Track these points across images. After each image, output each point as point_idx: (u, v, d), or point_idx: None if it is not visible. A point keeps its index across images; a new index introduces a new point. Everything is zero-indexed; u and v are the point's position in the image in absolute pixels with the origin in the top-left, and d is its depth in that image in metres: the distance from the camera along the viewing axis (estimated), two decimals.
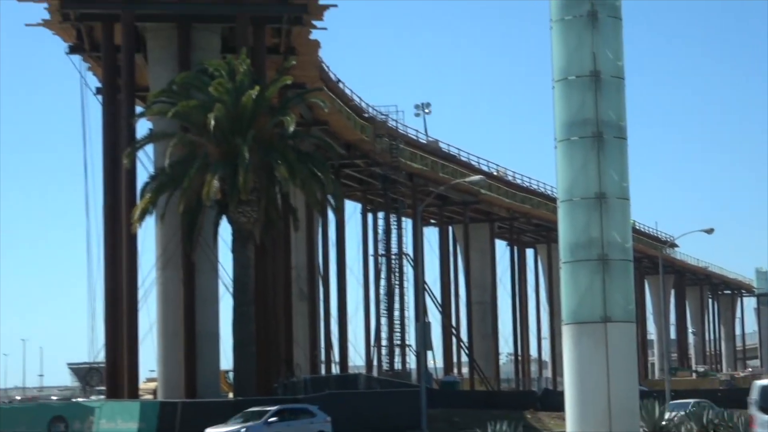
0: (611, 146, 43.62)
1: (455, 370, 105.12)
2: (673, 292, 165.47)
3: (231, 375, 61.04)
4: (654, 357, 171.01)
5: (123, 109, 58.59)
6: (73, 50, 62.46)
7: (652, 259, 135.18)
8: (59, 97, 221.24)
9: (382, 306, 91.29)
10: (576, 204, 43.63)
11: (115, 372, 57.15)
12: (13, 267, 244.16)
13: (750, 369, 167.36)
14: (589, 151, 43.55)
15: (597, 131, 43.44)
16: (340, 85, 78.86)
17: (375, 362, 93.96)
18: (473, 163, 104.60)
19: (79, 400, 65.50)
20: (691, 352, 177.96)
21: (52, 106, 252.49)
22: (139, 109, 60.53)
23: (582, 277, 43.16)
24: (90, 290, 60.89)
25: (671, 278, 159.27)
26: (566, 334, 43.73)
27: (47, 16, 59.43)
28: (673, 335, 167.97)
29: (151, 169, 58.04)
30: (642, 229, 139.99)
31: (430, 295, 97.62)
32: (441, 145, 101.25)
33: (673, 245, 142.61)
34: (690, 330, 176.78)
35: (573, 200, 43.85)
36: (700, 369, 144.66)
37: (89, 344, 61.92)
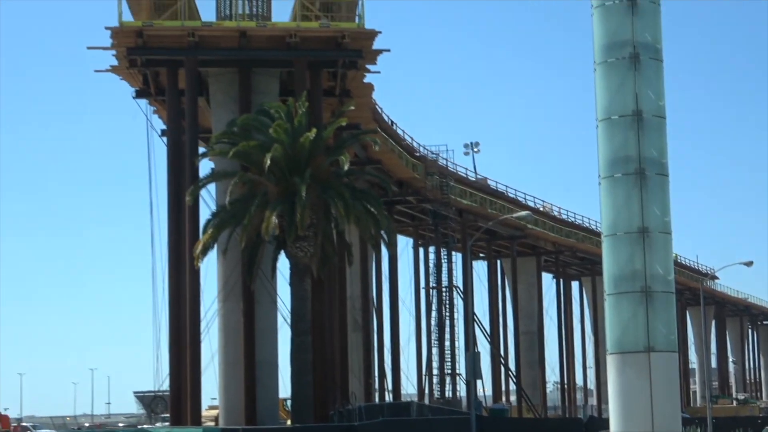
0: (653, 183, 43.49)
1: (504, 398, 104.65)
2: (714, 322, 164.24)
3: (289, 402, 60.98)
4: (696, 385, 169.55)
5: (186, 150, 58.86)
6: (139, 94, 62.89)
7: (694, 291, 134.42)
8: (126, 139, 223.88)
9: (434, 336, 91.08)
10: (620, 238, 43.49)
11: (179, 400, 57.21)
12: (82, 301, 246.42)
13: None
14: (632, 188, 43.44)
15: (639, 168, 43.34)
16: (393, 125, 79.07)
17: (426, 390, 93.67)
18: (520, 199, 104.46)
19: (145, 426, 65.65)
20: (732, 380, 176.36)
21: (119, 148, 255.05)
22: (201, 149, 60.84)
23: (625, 309, 42.98)
24: (155, 322, 61.08)
25: (712, 309, 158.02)
26: (611, 363, 43.50)
27: (115, 63, 59.92)
28: (714, 364, 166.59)
29: (213, 207, 58.25)
30: (684, 262, 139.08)
31: (479, 326, 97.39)
32: (489, 182, 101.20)
33: (714, 277, 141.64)
34: (730, 359, 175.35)
35: (617, 234, 43.72)
36: (741, 397, 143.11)
37: (154, 373, 62.05)
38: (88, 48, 59.10)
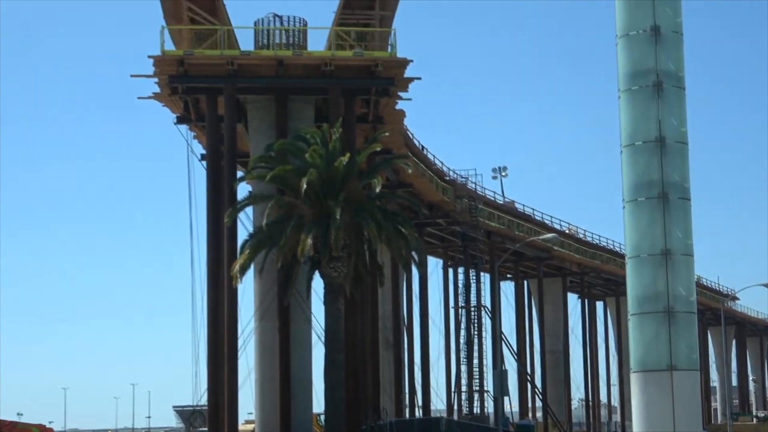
0: (676, 206, 43.40)
1: (530, 414, 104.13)
2: (734, 342, 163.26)
3: (322, 418, 60.91)
4: (717, 403, 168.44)
5: (225, 174, 58.99)
6: (180, 120, 63.10)
7: (715, 311, 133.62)
8: (167, 163, 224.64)
9: (462, 354, 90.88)
10: (643, 260, 43.35)
11: (217, 414, 57.22)
12: (124, 318, 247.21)
13: None
14: (655, 211, 43.34)
15: (662, 192, 43.24)
16: (424, 150, 79.07)
17: (455, 406, 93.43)
18: (547, 221, 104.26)
19: None
20: (752, 398, 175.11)
21: (160, 171, 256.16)
22: (239, 173, 60.97)
23: (649, 328, 42.82)
24: (194, 339, 61.14)
25: (733, 329, 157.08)
26: (634, 381, 43.33)
27: (157, 90, 60.17)
28: (734, 382, 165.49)
29: (251, 228, 58.34)
30: (705, 284, 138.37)
31: (506, 345, 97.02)
32: (517, 205, 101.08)
33: (734, 298, 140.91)
34: (751, 377, 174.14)
35: (640, 256, 43.58)
36: (761, 414, 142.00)
37: (193, 388, 62.12)
38: (132, 76, 59.45)
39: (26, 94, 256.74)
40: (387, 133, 59.32)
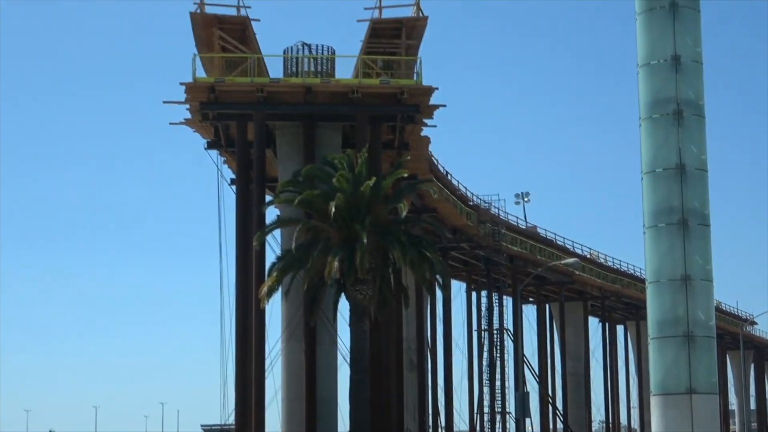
0: (696, 232, 43.25)
1: None
2: (752, 366, 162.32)
3: None
4: (735, 426, 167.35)
5: (254, 198, 59.12)
6: (210, 146, 63.32)
7: (734, 335, 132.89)
8: (198, 187, 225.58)
9: (485, 376, 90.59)
10: (663, 285, 43.20)
11: None
12: (154, 338, 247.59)
13: None
14: (675, 237, 43.20)
15: (682, 219, 43.12)
16: (448, 176, 79.03)
17: (478, 428, 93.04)
18: (568, 246, 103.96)
19: None
20: None
21: (191, 195, 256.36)
22: (268, 197, 61.06)
23: (668, 352, 42.61)
24: (222, 359, 61.21)
25: (751, 353, 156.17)
26: (654, 404, 43.11)
27: (189, 116, 60.42)
28: (753, 406, 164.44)
29: (279, 251, 58.40)
30: (724, 308, 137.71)
31: (528, 367, 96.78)
32: (539, 230, 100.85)
33: (753, 323, 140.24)
34: None
35: (660, 281, 43.43)
36: None
37: (221, 408, 62.14)
38: (164, 102, 59.84)
39: (58, 119, 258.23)
40: (409, 158, 59.32)
